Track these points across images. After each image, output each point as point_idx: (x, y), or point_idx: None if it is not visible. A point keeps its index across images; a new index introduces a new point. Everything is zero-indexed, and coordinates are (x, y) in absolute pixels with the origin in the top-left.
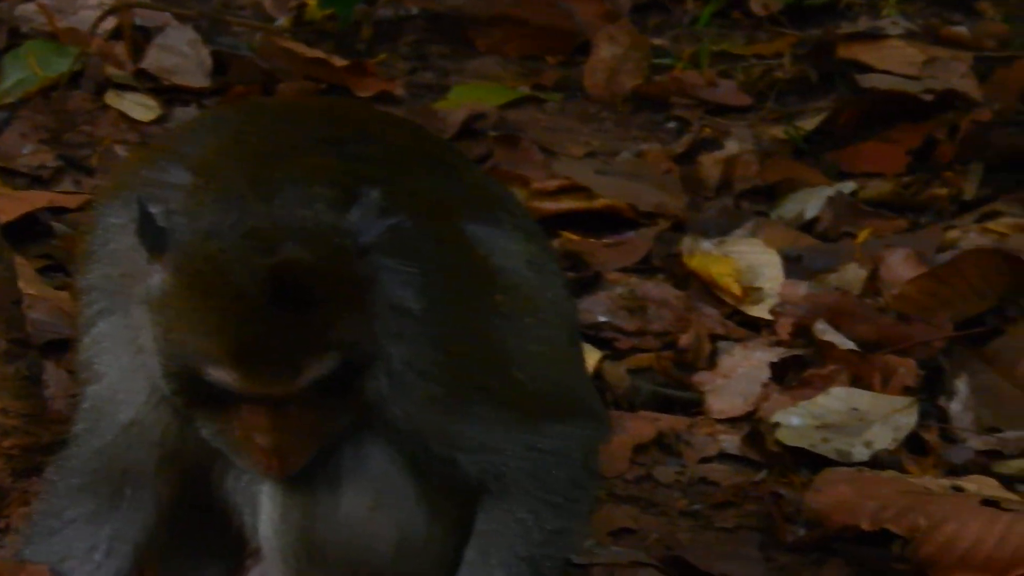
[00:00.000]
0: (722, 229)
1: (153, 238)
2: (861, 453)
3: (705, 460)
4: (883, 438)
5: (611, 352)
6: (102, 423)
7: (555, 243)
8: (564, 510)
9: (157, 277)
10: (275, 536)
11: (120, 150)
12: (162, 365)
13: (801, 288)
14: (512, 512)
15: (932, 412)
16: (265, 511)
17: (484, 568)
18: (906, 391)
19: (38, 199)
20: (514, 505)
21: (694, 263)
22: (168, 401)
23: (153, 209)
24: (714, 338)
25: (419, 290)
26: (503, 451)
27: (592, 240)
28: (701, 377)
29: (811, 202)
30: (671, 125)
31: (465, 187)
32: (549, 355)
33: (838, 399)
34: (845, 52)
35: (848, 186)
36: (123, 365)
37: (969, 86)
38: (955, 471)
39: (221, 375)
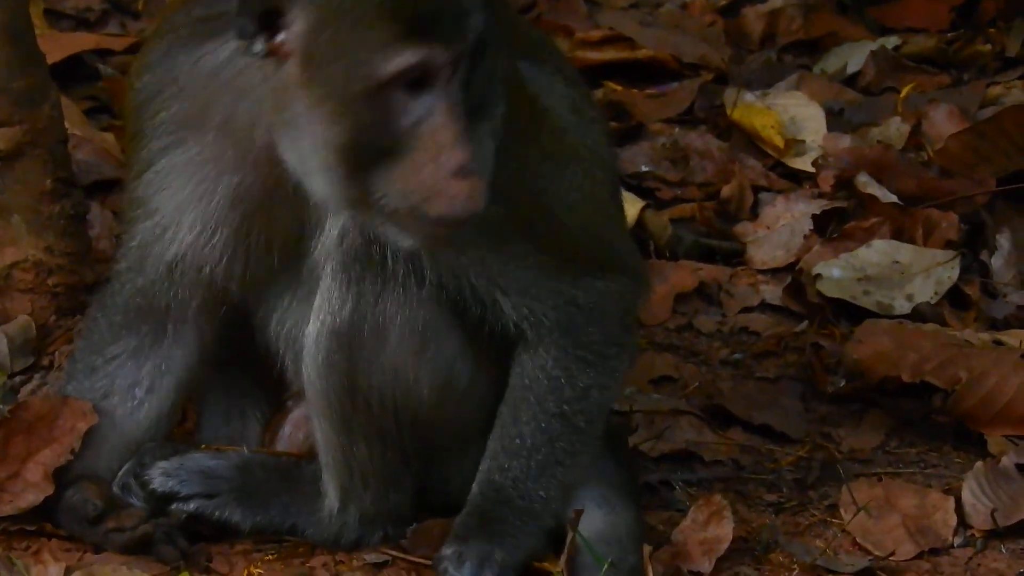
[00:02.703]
0: (765, 82)
1: None
2: (902, 306)
3: (746, 310)
4: (924, 291)
5: (653, 202)
6: (148, 260)
7: (598, 93)
8: (596, 366)
9: (298, 23)
10: (318, 379)
11: None
12: (342, 118)
13: (844, 141)
14: (544, 368)
15: (974, 266)
16: (309, 354)
17: (514, 425)
18: (948, 245)
19: (84, 41)
20: (548, 361)
21: (737, 115)
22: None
23: None
24: (756, 189)
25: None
26: (543, 299)
27: (635, 91)
28: (743, 228)
29: (854, 57)
30: None
31: (513, 25)
32: (591, 206)
33: (880, 252)
34: None
35: (891, 41)
36: (180, 200)
37: None
38: (996, 325)
39: (406, 55)
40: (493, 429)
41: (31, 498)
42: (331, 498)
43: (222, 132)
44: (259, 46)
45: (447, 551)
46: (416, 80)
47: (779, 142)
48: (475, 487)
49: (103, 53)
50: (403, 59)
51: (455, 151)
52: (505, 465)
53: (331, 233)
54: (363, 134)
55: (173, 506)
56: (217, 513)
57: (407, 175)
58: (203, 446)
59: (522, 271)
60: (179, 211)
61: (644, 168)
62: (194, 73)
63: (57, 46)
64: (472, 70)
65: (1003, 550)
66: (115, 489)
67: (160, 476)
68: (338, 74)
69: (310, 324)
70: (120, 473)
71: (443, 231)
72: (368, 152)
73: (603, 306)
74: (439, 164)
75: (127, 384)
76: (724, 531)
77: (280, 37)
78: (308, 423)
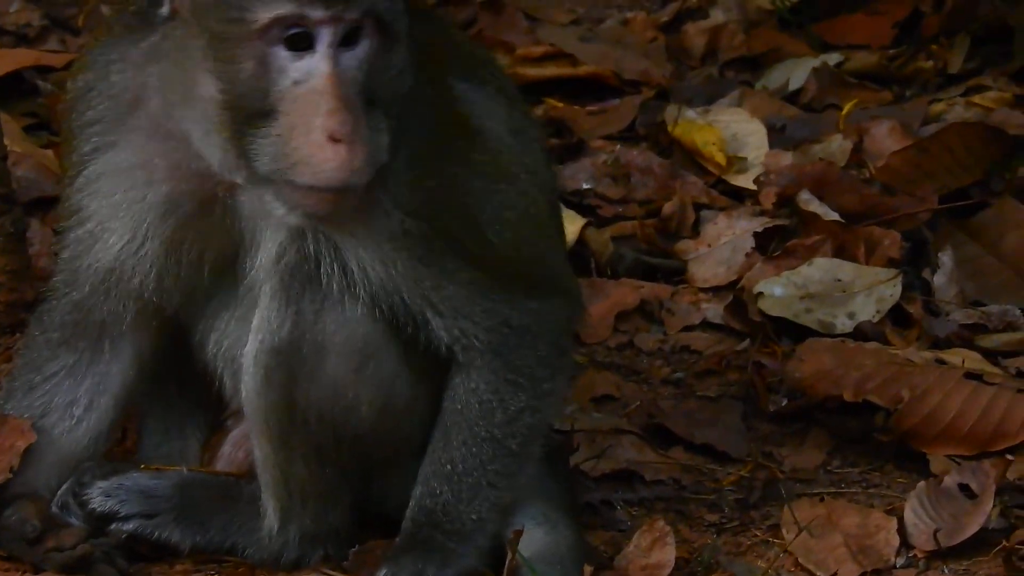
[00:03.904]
0: (707, 98)
1: None
2: (844, 324)
3: (688, 328)
4: (866, 309)
5: (595, 219)
6: (80, 272)
7: (539, 110)
8: (528, 390)
9: None
10: (257, 398)
11: (106, 10)
12: (223, 71)
13: (785, 158)
14: (476, 392)
15: (916, 284)
16: (248, 373)
17: (445, 449)
18: (890, 263)
19: (24, 57)
20: (479, 385)
21: (678, 132)
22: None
23: None
24: (698, 207)
25: (404, 134)
26: (475, 319)
27: (576, 107)
28: (684, 245)
29: (796, 73)
30: None
31: (453, 43)
32: (526, 225)
33: (822, 269)
34: None
35: (833, 57)
36: (113, 202)
37: None
38: (938, 344)
39: (281, 4)
40: (426, 454)
41: None
42: (271, 517)
43: (152, 136)
44: (165, 8)
45: (379, 574)
46: (298, 39)
47: (721, 159)
48: (407, 513)
49: (43, 70)
50: (277, 7)
51: (329, 117)
52: (436, 490)
53: (269, 251)
54: (242, 90)
55: (112, 526)
56: (156, 533)
57: (280, 138)
58: (142, 465)
59: (454, 288)
60: (109, 217)
61: (585, 185)
62: (124, 67)
63: None
64: (374, 53)
65: (945, 571)
66: (54, 508)
67: (99, 496)
68: (218, 23)
69: (248, 343)
70: (59, 492)
71: (316, 202)
72: (247, 111)
73: (536, 328)
74: (310, 128)
75: (65, 402)
76: (667, 557)
77: None
78: (248, 442)
